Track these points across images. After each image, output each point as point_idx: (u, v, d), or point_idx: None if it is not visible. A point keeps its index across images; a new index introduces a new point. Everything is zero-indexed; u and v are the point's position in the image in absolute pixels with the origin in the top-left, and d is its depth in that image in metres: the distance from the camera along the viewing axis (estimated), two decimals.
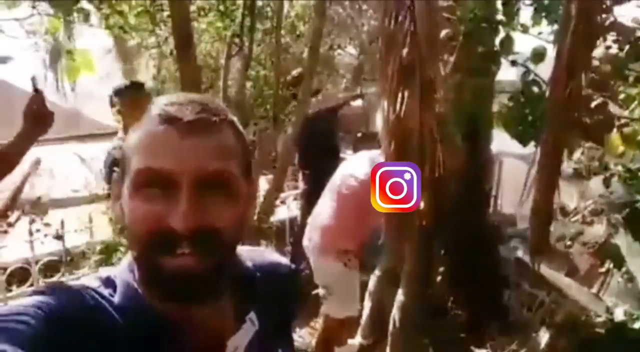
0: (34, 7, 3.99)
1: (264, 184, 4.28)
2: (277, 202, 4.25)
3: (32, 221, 3.56)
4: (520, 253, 3.56)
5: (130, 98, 2.99)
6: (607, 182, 2.67)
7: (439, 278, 3.43)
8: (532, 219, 2.26)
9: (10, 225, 5.26)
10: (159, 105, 0.67)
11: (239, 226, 0.68)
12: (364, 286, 2.90)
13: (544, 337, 2.72)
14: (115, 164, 2.99)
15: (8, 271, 3.15)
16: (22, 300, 0.64)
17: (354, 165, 2.83)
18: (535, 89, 2.81)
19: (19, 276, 3.25)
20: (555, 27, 2.75)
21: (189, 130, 0.64)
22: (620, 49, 2.53)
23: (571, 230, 3.45)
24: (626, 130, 2.53)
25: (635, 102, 2.62)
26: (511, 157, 4.51)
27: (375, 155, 2.70)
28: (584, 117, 2.43)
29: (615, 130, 2.55)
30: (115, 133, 3.58)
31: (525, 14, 3.00)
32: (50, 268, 3.33)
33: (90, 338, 0.62)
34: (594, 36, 2.14)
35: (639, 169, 2.72)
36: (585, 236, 3.42)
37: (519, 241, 3.71)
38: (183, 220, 0.62)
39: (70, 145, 7.94)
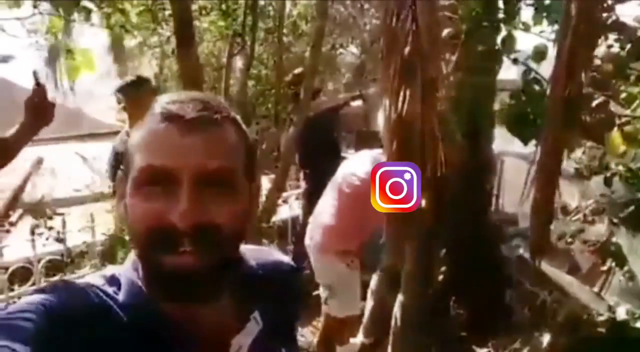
0: (35, 7, 3.99)
1: (266, 183, 4.29)
2: (280, 201, 4.26)
3: (35, 226, 3.57)
4: (521, 251, 3.56)
5: (134, 94, 2.97)
6: (608, 182, 2.67)
7: (440, 277, 3.42)
8: (533, 218, 2.26)
9: (12, 224, 5.28)
10: (161, 103, 0.68)
11: (240, 224, 0.68)
12: (365, 285, 2.90)
13: (545, 336, 2.72)
14: (117, 158, 3.00)
15: (10, 270, 3.16)
16: (27, 298, 0.64)
17: (356, 164, 2.82)
18: (537, 88, 2.81)
19: (21, 275, 3.25)
20: (556, 26, 2.74)
21: (191, 127, 0.65)
22: (622, 48, 2.52)
23: (572, 228, 3.45)
24: (627, 128, 2.53)
25: (637, 101, 2.62)
26: (512, 156, 4.51)
27: (377, 154, 2.70)
28: (584, 116, 2.43)
29: (616, 129, 2.55)
30: (116, 132, 3.59)
31: (527, 13, 3.00)
32: (52, 267, 3.34)
33: (94, 336, 0.62)
34: (595, 35, 2.14)
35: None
36: (586, 235, 3.42)
37: (521, 240, 3.71)
38: (184, 216, 0.62)
39: (72, 145, 7.95)
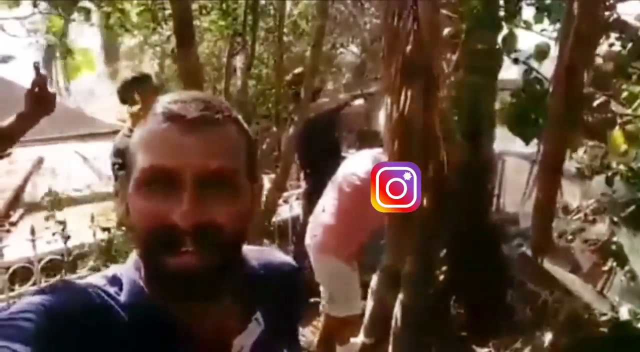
0: (35, 6, 3.99)
1: (266, 183, 4.28)
2: (280, 201, 4.25)
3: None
4: (524, 249, 3.55)
5: (136, 91, 2.96)
6: (609, 181, 2.66)
7: (441, 277, 3.42)
8: (535, 218, 2.26)
9: (12, 224, 5.28)
10: (162, 103, 0.67)
11: (242, 224, 0.68)
12: (365, 285, 2.90)
13: (547, 336, 2.71)
14: (118, 154, 2.99)
15: (11, 270, 3.16)
16: (29, 298, 0.64)
17: (356, 164, 2.82)
18: (538, 87, 2.80)
19: (21, 275, 3.25)
20: (558, 25, 2.74)
21: (192, 127, 0.64)
22: (623, 47, 2.52)
23: (572, 226, 3.45)
24: (629, 128, 2.52)
25: (639, 100, 2.61)
26: (513, 156, 4.50)
27: (377, 153, 2.69)
28: (586, 116, 2.43)
29: (617, 128, 2.54)
30: (116, 132, 3.58)
31: (528, 12, 3.00)
32: (53, 267, 3.34)
33: (96, 336, 0.62)
34: (596, 34, 2.14)
35: None
36: (587, 234, 3.42)
37: (522, 239, 3.71)
38: (185, 216, 0.62)
39: (72, 145, 7.96)
